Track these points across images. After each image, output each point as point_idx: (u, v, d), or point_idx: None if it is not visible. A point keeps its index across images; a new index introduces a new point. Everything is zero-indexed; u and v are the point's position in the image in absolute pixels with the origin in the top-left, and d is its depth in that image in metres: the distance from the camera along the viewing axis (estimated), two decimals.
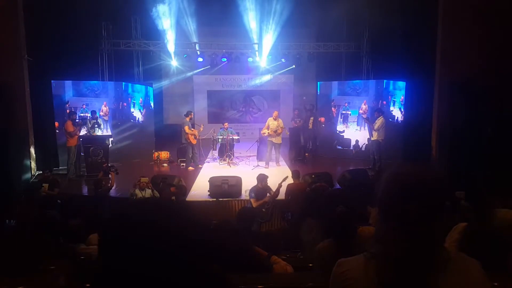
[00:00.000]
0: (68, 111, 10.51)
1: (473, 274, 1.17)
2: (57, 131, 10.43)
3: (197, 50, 13.27)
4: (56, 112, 10.58)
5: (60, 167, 10.30)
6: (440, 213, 1.17)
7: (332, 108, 12.58)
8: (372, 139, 10.47)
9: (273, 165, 10.78)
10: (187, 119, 10.74)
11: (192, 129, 10.78)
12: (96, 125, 10.63)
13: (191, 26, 12.95)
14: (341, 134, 12.40)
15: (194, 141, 10.73)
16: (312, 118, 11.65)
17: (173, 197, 6.69)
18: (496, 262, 2.33)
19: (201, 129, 11.15)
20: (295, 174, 7.36)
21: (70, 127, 9.57)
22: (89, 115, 10.85)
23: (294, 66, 14.27)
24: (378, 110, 10.53)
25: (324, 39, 13.36)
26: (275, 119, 10.65)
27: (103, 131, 11.10)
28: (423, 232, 1.13)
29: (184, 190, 7.64)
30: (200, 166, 10.84)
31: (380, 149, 10.16)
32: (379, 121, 10.15)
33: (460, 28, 8.16)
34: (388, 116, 11.09)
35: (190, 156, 10.79)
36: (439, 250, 1.15)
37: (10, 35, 8.74)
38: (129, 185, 7.40)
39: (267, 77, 15.49)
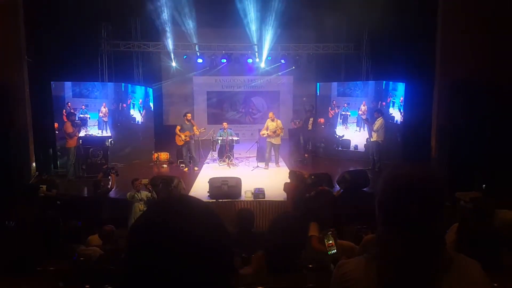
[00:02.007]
0: (64, 111, 10.53)
1: (474, 275, 1.16)
2: (57, 132, 10.44)
3: (197, 51, 13.27)
4: (56, 113, 10.60)
5: (60, 168, 10.30)
6: (439, 213, 1.17)
7: (330, 110, 12.56)
8: (371, 140, 10.51)
9: (273, 166, 10.79)
10: (185, 119, 10.69)
11: (186, 131, 10.51)
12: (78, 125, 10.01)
13: (190, 27, 12.95)
14: (341, 138, 12.40)
15: (179, 143, 10.59)
16: (311, 119, 11.68)
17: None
18: (496, 262, 2.33)
19: (198, 132, 10.77)
20: (291, 174, 7.38)
21: (69, 128, 9.57)
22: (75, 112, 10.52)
23: (293, 67, 14.29)
24: (378, 111, 10.57)
25: (323, 40, 13.37)
26: (272, 120, 10.66)
27: (86, 129, 11.00)
28: (423, 233, 1.13)
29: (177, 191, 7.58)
30: (196, 168, 10.65)
31: (380, 150, 10.19)
32: (378, 122, 10.23)
33: (459, 28, 8.17)
34: (388, 117, 11.12)
35: (188, 157, 10.71)
36: (440, 251, 1.14)
37: (10, 36, 8.74)
38: (129, 186, 7.37)
39: (266, 78, 15.51)
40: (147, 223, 0.85)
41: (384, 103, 11.65)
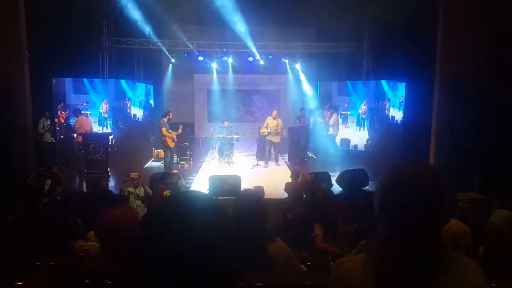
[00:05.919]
0: (59, 112, 10.64)
1: (472, 274, 1.17)
2: (57, 128, 10.45)
3: (198, 49, 13.25)
4: (56, 109, 10.62)
5: (59, 165, 10.30)
6: (439, 212, 1.18)
7: (325, 112, 12.50)
8: (328, 133, 11.65)
9: (272, 164, 10.79)
10: (165, 119, 9.80)
11: (171, 131, 9.75)
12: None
13: (192, 24, 12.92)
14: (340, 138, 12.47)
15: (171, 145, 9.75)
16: (312, 118, 11.71)
17: (166, 192, 6.69)
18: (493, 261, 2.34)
19: (180, 130, 10.03)
20: (294, 174, 7.37)
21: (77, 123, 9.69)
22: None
23: (295, 64, 14.28)
24: (333, 107, 11.73)
25: (324, 39, 13.35)
26: (274, 118, 10.65)
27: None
28: (422, 232, 1.14)
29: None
30: (175, 171, 9.49)
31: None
32: (333, 118, 11.43)
33: (460, 28, 8.16)
34: (385, 116, 11.28)
35: (168, 160, 9.74)
36: (439, 250, 1.15)
37: (10, 32, 8.72)
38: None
39: (267, 77, 15.50)
40: (154, 221, 0.84)
41: (384, 103, 11.65)
